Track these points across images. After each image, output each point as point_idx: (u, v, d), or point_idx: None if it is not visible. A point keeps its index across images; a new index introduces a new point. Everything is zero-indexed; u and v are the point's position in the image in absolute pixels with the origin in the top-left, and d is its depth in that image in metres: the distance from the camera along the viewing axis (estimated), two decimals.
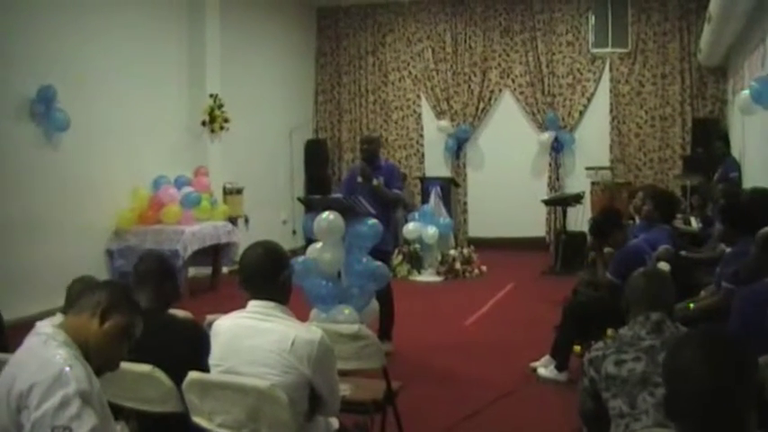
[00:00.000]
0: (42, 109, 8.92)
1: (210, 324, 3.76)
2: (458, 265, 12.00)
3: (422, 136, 15.47)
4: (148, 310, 3.48)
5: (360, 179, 7.65)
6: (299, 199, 8.74)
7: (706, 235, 8.38)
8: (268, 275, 3.52)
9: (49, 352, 2.63)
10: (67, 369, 2.56)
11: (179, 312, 4.16)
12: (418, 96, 15.44)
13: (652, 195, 7.80)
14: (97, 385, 2.67)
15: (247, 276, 3.56)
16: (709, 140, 11.79)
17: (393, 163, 9.73)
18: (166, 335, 3.67)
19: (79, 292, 3.13)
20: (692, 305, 5.63)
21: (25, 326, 3.39)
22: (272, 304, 3.50)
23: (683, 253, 7.39)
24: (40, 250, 8.27)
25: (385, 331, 7.40)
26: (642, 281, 3.58)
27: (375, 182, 7.57)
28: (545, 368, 6.75)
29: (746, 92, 8.64)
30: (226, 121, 11.94)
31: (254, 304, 3.52)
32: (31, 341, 2.75)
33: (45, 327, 2.80)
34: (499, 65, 14.90)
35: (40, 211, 8.87)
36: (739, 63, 11.51)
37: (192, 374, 3.49)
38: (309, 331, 3.44)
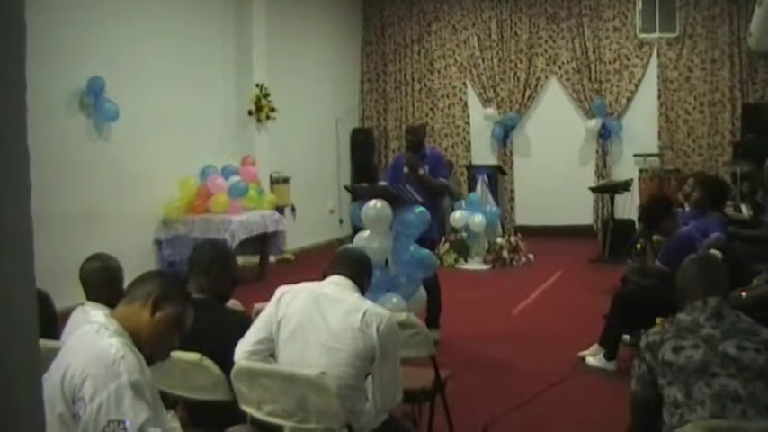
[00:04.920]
0: (92, 100, 9.02)
1: (258, 313, 3.79)
2: (505, 254, 11.95)
3: (468, 124, 15.39)
4: (201, 299, 3.52)
5: (406, 169, 7.63)
6: (345, 188, 8.74)
7: (757, 222, 8.27)
8: None
9: (102, 341, 2.66)
10: (120, 359, 2.59)
11: (228, 302, 4.19)
12: (464, 84, 15.36)
13: (702, 183, 7.69)
14: (149, 374, 2.70)
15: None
16: (760, 126, 11.61)
17: (438, 151, 9.68)
18: (216, 324, 3.70)
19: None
20: (743, 294, 5.56)
21: None
22: (350, 283, 3.73)
23: (731, 229, 7.30)
24: (90, 240, 8.32)
25: (432, 320, 7.40)
26: (696, 266, 3.53)
27: (421, 171, 7.55)
28: (594, 357, 6.71)
29: None
30: (272, 110, 11.99)
31: (332, 280, 3.75)
32: (83, 330, 2.78)
33: (98, 315, 2.83)
34: (545, 51, 14.78)
35: (90, 202, 8.98)
36: None
37: (241, 363, 3.52)
38: (380, 307, 3.69)
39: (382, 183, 8.04)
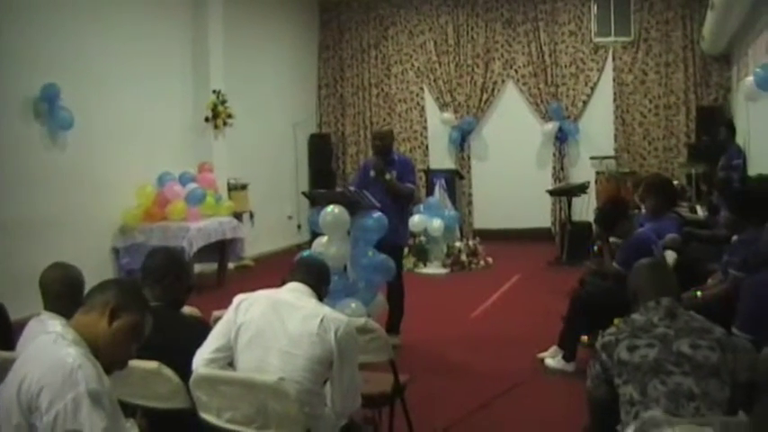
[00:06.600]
0: (46, 107, 8.90)
1: (217, 320, 3.78)
2: (463, 257, 11.99)
3: (425, 128, 15.42)
4: (157, 307, 3.49)
5: (372, 173, 7.64)
6: (303, 193, 8.73)
7: (712, 222, 8.35)
8: None
9: (59, 351, 2.63)
10: (77, 368, 2.57)
11: (186, 309, 4.16)
12: (421, 89, 15.40)
13: (651, 189, 7.66)
14: (107, 383, 2.67)
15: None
16: (714, 128, 11.75)
17: (406, 157, 9.70)
18: (174, 332, 3.67)
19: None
20: (699, 293, 5.62)
21: None
22: (308, 289, 3.78)
23: (686, 229, 7.36)
24: (47, 249, 8.24)
25: (394, 325, 7.41)
26: (646, 269, 3.60)
27: (387, 176, 7.54)
28: (553, 359, 6.75)
29: (751, 78, 8.63)
30: (229, 116, 11.91)
31: (291, 287, 3.79)
32: (40, 339, 2.76)
33: (55, 325, 2.81)
34: (502, 56, 14.86)
35: (46, 210, 8.86)
36: (743, 50, 11.49)
37: (200, 371, 3.50)
38: (338, 313, 3.71)
39: (350, 187, 8.03)
